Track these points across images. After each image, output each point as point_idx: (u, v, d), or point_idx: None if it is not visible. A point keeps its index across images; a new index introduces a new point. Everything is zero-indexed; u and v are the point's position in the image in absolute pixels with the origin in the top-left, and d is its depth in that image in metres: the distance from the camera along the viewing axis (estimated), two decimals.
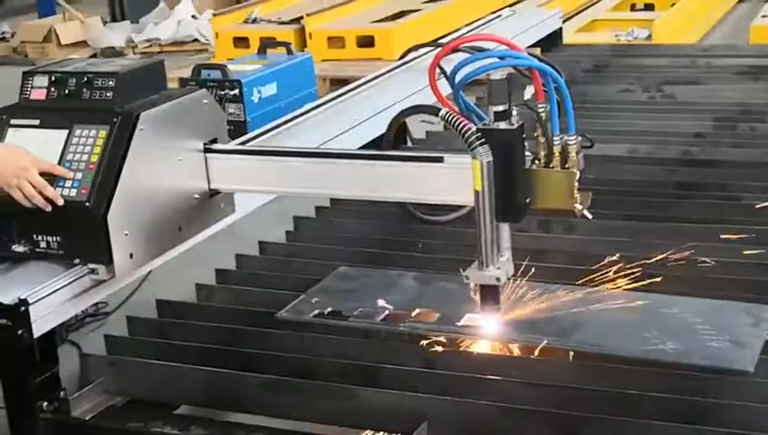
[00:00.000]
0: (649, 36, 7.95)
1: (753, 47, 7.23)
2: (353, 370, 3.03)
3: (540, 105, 2.77)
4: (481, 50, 2.99)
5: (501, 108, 2.71)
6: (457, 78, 2.82)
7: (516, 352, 3.07)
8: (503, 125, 2.72)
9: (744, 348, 2.88)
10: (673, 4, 9.19)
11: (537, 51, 6.31)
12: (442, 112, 2.78)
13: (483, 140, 2.69)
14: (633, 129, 5.06)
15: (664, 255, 3.60)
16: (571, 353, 2.99)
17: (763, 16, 8.35)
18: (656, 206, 4.10)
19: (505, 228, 2.80)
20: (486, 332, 3.06)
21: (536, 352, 3.01)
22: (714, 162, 4.53)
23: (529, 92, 2.78)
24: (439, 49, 4.89)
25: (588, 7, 9.82)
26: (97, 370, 3.18)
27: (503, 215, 2.76)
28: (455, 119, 2.73)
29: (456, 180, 2.81)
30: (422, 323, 3.18)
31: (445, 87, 3.06)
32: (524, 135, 2.76)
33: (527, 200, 2.78)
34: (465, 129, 2.70)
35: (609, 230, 3.85)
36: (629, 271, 3.52)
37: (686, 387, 2.79)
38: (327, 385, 2.96)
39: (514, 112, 2.74)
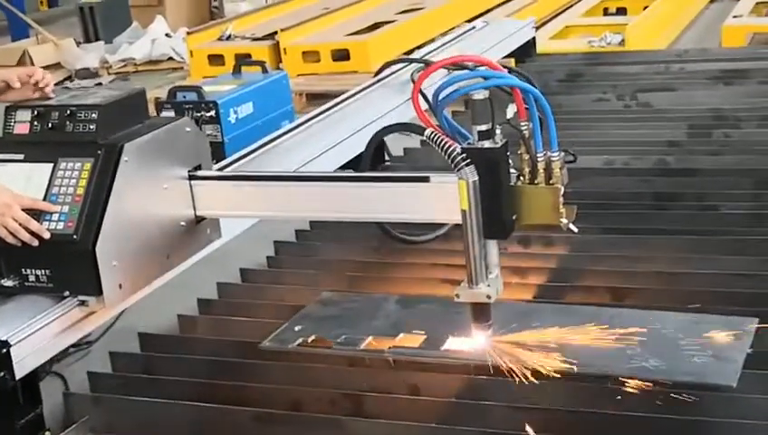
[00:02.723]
0: (623, 41, 7.97)
1: (724, 50, 7.29)
2: (340, 399, 3.00)
3: (522, 123, 2.79)
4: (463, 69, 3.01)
5: (484, 127, 2.75)
6: (440, 98, 2.84)
7: (500, 374, 3.01)
8: (487, 144, 2.75)
9: (726, 362, 2.88)
10: (645, 7, 9.23)
11: (511, 62, 6.34)
12: (427, 132, 2.80)
13: (468, 159, 2.72)
14: (609, 139, 5.07)
15: (642, 269, 3.58)
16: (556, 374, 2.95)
17: (734, 17, 8.40)
18: (633, 218, 4.08)
19: (493, 245, 2.82)
20: (470, 354, 3.03)
21: (520, 374, 2.97)
22: (689, 171, 4.53)
23: (511, 111, 2.79)
24: (416, 65, 4.90)
25: (560, 13, 9.87)
26: (81, 408, 3.14)
27: (490, 232, 2.78)
28: (440, 139, 2.75)
29: (443, 199, 2.81)
30: (407, 349, 3.16)
31: (421, 103, 3.06)
32: (508, 153, 2.79)
33: (514, 217, 2.81)
34: (450, 149, 2.72)
35: (587, 244, 3.83)
36: (608, 286, 3.50)
37: (668, 404, 2.76)
38: (315, 416, 2.93)
39: (498, 131, 2.77)
